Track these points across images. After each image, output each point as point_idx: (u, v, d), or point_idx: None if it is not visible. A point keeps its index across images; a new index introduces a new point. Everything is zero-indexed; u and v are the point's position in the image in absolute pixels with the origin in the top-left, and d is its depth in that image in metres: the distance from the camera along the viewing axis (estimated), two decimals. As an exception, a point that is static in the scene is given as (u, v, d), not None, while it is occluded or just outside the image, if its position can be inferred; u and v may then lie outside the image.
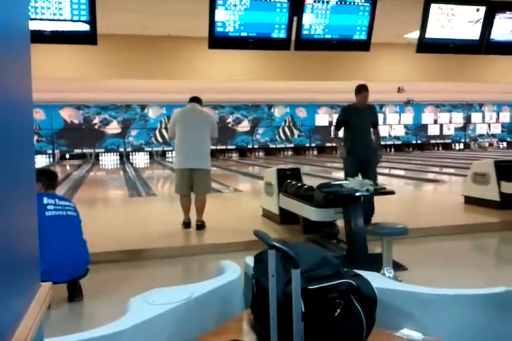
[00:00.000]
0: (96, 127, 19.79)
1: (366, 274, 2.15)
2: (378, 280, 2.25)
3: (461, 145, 24.39)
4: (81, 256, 3.60)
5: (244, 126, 21.39)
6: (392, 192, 4.64)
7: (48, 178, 3.75)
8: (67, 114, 19.47)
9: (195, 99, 5.80)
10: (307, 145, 22.34)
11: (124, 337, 1.84)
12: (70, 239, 3.57)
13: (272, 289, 1.87)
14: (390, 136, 23.23)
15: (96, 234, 4.71)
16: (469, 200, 6.95)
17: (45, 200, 3.55)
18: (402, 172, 13.39)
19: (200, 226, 5.59)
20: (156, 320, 1.97)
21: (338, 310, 1.89)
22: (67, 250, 3.47)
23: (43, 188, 3.66)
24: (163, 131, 20.16)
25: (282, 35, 5.54)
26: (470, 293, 2.20)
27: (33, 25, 4.82)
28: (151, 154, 20.69)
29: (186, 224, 5.66)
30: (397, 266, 4.11)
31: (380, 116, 23.13)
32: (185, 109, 5.79)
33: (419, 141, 23.67)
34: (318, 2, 5.54)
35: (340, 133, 5.94)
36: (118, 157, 20.16)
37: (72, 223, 3.65)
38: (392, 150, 23.36)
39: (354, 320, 1.91)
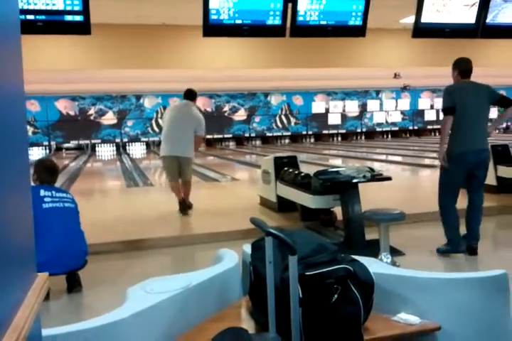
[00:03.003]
0: (92, 118, 19.69)
1: (363, 260, 2.16)
2: (375, 266, 2.26)
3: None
4: (79, 248, 3.60)
5: (241, 114, 21.29)
6: (389, 178, 4.66)
7: (45, 171, 3.69)
8: (62, 106, 19.36)
9: (189, 96, 6.12)
10: (304, 133, 22.27)
11: (124, 325, 1.85)
12: (68, 230, 3.56)
13: (269, 276, 1.88)
14: (386, 122, 23.22)
15: (94, 225, 4.71)
16: (466, 185, 6.95)
17: (42, 192, 3.54)
18: (399, 158, 13.37)
19: (189, 207, 6.02)
20: (154, 308, 1.98)
21: (336, 296, 1.90)
22: (65, 241, 3.47)
23: (38, 180, 3.63)
24: (160, 121, 20.12)
25: (277, 21, 5.49)
26: (467, 276, 2.22)
27: (26, 16, 4.77)
28: (147, 144, 20.61)
29: (182, 203, 5.93)
30: (395, 252, 4.14)
31: (377, 103, 23.08)
32: (178, 104, 6.35)
33: (415, 127, 23.63)
34: (313, -12, 5.48)
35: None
36: (114, 148, 20.09)
37: (69, 214, 3.64)
38: (389, 136, 23.36)
39: (351, 305, 1.92)
